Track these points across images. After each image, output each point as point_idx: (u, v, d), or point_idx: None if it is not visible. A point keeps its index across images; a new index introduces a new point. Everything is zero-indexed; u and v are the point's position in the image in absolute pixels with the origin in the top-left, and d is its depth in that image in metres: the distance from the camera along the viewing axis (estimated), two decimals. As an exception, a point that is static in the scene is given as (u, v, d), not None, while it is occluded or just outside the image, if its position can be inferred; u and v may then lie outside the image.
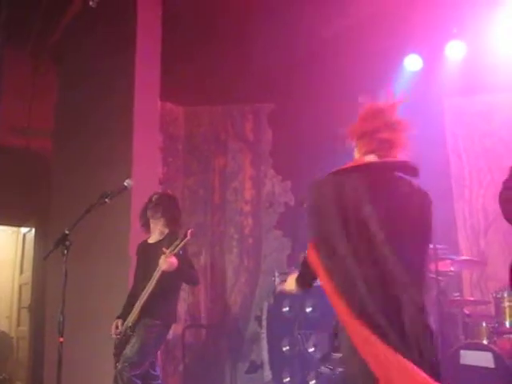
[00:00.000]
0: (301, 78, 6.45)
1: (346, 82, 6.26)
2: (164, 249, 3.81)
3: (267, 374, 6.60)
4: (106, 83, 5.66)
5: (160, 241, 4.12)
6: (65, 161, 6.29)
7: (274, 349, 6.49)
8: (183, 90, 6.67)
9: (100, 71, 5.69)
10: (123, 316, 4.05)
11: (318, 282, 2.65)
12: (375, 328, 2.27)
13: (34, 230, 7.74)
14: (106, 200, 3.69)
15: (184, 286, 6.70)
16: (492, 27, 5.95)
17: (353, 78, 6.26)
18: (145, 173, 5.54)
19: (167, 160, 6.91)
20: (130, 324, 3.91)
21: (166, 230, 4.17)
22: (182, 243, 3.79)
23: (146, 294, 3.86)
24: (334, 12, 5.56)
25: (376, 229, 2.38)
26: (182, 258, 3.89)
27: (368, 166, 2.61)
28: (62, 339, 3.29)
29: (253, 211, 7.16)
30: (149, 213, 4.19)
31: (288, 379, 6.17)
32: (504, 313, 4.66)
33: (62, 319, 3.32)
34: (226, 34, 5.96)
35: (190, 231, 3.80)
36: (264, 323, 6.78)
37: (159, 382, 4.05)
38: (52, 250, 3.52)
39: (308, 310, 6.15)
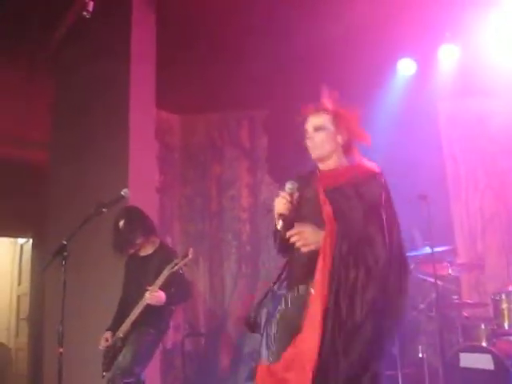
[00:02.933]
0: (295, 83, 6.47)
1: (340, 87, 6.28)
2: (148, 286, 3.74)
3: (268, 380, 6.59)
4: (101, 91, 5.66)
5: (151, 254, 4.08)
6: (61, 171, 6.28)
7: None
8: (178, 99, 6.67)
9: (95, 80, 5.69)
10: (113, 328, 4.01)
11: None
12: None
13: (31, 240, 7.73)
14: (103, 210, 3.69)
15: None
16: (485, 30, 5.99)
17: (347, 83, 6.26)
18: (142, 182, 5.53)
19: (164, 169, 6.91)
20: (121, 335, 3.87)
21: (156, 242, 4.12)
22: (183, 262, 3.74)
23: (139, 311, 3.82)
24: (328, 18, 5.58)
25: None
26: (178, 279, 3.84)
27: None
28: (61, 350, 3.27)
29: (250, 218, 7.16)
30: (127, 244, 4.06)
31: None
32: (502, 315, 4.67)
33: (61, 329, 3.30)
34: (222, 42, 5.98)
35: (191, 250, 3.77)
36: (263, 330, 6.77)
37: None
38: (50, 261, 3.50)
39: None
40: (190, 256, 3.75)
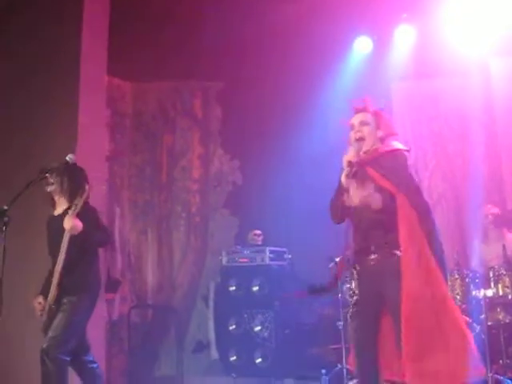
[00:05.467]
0: (251, 57, 6.41)
1: (295, 62, 6.26)
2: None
3: (214, 353, 6.62)
4: (51, 57, 5.45)
5: (65, 210, 3.84)
6: (3, 133, 6.05)
7: (220, 328, 6.50)
8: (131, 66, 6.49)
9: (45, 45, 5.48)
10: (44, 292, 3.83)
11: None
12: None
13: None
14: (47, 175, 3.56)
15: (128, 265, 6.70)
16: (441, 13, 6.05)
17: (302, 58, 6.26)
18: (91, 149, 5.41)
19: (114, 137, 6.75)
20: (52, 302, 3.73)
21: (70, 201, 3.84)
22: (82, 199, 3.61)
23: (60, 267, 3.66)
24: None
25: None
26: (88, 219, 3.69)
27: None
28: (-1, 318, 3.18)
29: (200, 190, 7.09)
30: (49, 188, 3.87)
31: (234, 358, 6.20)
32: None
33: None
34: (177, 10, 5.85)
35: (87, 186, 3.67)
36: (211, 303, 6.79)
37: (94, 365, 3.93)
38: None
39: (255, 288, 6.18)
40: (87, 192, 3.64)
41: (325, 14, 5.79)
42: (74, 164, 3.90)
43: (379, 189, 3.07)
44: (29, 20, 5.72)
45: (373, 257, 3.10)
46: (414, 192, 3.11)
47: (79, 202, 3.62)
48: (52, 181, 3.83)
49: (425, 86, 6.91)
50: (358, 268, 3.17)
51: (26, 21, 5.76)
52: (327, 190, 3.31)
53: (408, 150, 3.29)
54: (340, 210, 3.19)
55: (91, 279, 3.88)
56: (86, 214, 3.70)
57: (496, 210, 5.41)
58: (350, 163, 3.07)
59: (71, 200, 3.80)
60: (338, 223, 3.28)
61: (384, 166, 3.11)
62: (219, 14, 5.82)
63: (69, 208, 3.74)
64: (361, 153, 3.19)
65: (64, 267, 3.68)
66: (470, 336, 2.96)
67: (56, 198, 3.93)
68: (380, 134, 3.26)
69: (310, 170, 6.24)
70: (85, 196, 3.64)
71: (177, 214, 7.03)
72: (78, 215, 3.63)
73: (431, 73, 6.66)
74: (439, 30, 6.21)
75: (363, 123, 3.25)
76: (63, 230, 3.66)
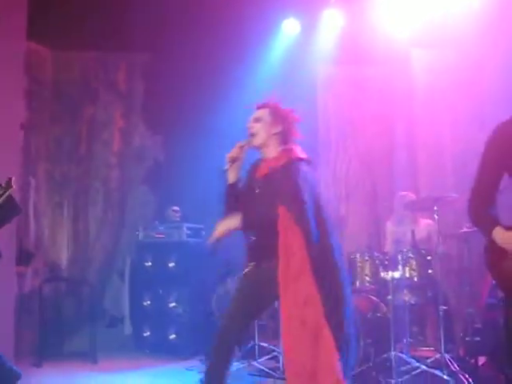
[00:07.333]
0: (177, 31, 6.33)
1: (222, 39, 6.22)
2: None
3: (127, 328, 6.58)
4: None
5: None
6: None
7: (135, 303, 6.46)
8: (53, 32, 6.24)
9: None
10: None
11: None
12: None
13: None
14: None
15: (41, 238, 6.50)
16: (369, 0, 6.15)
17: (229, 36, 6.22)
18: (4, 115, 5.21)
19: (31, 105, 6.49)
20: None
21: None
22: (7, 194, 3.52)
23: None
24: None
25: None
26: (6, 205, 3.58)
27: None
28: None
29: (120, 164, 6.96)
30: None
31: (148, 333, 6.18)
32: (355, 273, 4.92)
33: None
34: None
35: (13, 179, 3.56)
36: (126, 278, 6.72)
37: None
38: None
39: (171, 265, 6.16)
40: (14, 187, 3.54)
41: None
42: None
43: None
44: None
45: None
46: (297, 206, 3.03)
47: (3, 195, 3.47)
48: None
49: (349, 71, 7.02)
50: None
51: None
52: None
53: (302, 159, 3.26)
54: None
55: None
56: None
57: (411, 196, 5.59)
58: (230, 158, 3.24)
59: None
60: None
61: (273, 181, 3.14)
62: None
63: None
64: (247, 147, 3.27)
65: None
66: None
67: None
68: (277, 129, 3.28)
69: (230, 150, 6.23)
70: (10, 191, 3.51)
71: (95, 188, 6.88)
72: None
73: (358, 59, 6.77)
74: (366, 17, 6.31)
75: (255, 119, 3.31)
76: None
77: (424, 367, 4.46)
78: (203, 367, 5.05)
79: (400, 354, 4.54)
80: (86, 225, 6.83)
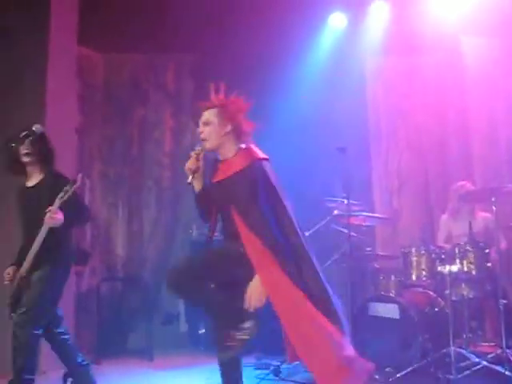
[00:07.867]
0: (225, 30, 6.35)
1: (270, 36, 6.22)
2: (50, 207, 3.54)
3: (183, 325, 6.65)
4: (19, 19, 5.32)
5: (40, 183, 3.80)
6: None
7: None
8: (103, 36, 6.37)
9: (14, 7, 5.35)
10: (17, 262, 3.77)
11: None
12: None
13: None
14: (12, 145, 3.48)
15: (98, 237, 6.65)
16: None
17: (277, 33, 6.22)
18: (60, 120, 5.34)
19: (84, 109, 6.63)
20: (24, 274, 3.69)
21: (44, 170, 3.83)
22: (72, 190, 3.54)
23: (37, 246, 3.60)
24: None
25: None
26: (73, 203, 3.62)
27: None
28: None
29: (172, 164, 7.04)
30: (24, 159, 3.75)
31: (203, 331, 6.24)
32: (411, 267, 4.85)
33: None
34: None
35: (80, 176, 3.59)
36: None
37: (66, 337, 3.90)
38: None
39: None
40: (79, 183, 3.56)
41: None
42: (43, 133, 3.84)
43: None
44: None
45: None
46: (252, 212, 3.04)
47: (69, 191, 3.53)
48: (27, 151, 3.74)
49: (398, 62, 6.91)
50: None
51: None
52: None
53: (263, 159, 3.21)
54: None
55: (65, 252, 3.81)
56: (70, 200, 3.59)
57: (469, 186, 5.42)
58: (189, 170, 3.17)
59: (43, 170, 3.77)
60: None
61: (230, 187, 3.14)
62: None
63: (44, 181, 3.72)
64: (202, 154, 3.20)
65: (42, 244, 3.61)
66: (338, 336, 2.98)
67: (29, 168, 3.83)
68: (227, 128, 3.21)
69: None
70: (76, 187, 3.55)
71: (148, 187, 6.99)
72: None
73: (406, 49, 6.67)
74: (414, 7, 6.22)
75: (205, 123, 3.23)
76: (38, 201, 3.61)
77: (485, 363, 4.32)
78: (259, 364, 5.14)
79: (459, 350, 4.44)
80: (141, 224, 6.94)
